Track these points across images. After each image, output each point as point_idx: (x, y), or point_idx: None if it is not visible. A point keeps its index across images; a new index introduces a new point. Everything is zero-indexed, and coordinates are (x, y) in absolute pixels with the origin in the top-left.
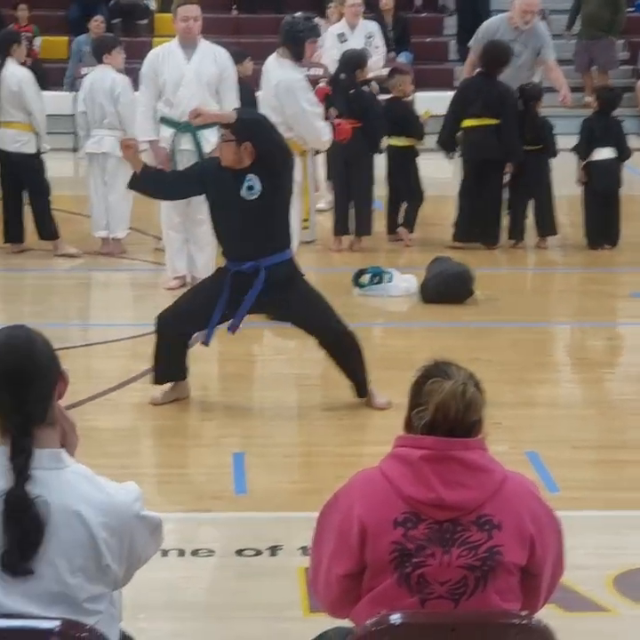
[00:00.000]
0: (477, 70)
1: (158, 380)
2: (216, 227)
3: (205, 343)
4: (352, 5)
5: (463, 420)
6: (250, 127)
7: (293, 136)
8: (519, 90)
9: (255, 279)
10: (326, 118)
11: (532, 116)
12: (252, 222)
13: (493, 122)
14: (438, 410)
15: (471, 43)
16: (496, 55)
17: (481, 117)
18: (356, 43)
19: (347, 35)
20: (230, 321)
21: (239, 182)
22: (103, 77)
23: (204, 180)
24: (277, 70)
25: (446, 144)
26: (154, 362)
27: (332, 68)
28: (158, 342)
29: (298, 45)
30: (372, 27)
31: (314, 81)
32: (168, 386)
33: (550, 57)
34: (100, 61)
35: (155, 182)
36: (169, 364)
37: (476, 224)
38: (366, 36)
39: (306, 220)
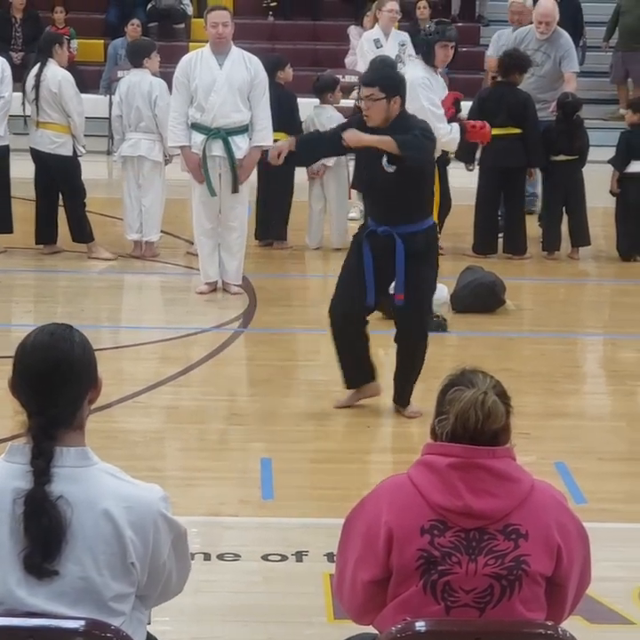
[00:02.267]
0: (497, 79)
1: (350, 385)
2: (361, 185)
3: (370, 305)
4: (390, 11)
5: (483, 430)
6: (398, 84)
7: None
8: (558, 101)
9: (393, 244)
10: (456, 120)
11: (576, 126)
12: (391, 191)
13: (516, 131)
14: (458, 419)
15: (489, 52)
16: (514, 64)
17: (505, 127)
18: (389, 49)
19: (382, 41)
20: (394, 294)
21: (381, 152)
22: (141, 81)
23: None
24: (410, 71)
25: (466, 155)
26: (340, 366)
27: None
28: (337, 344)
29: (428, 50)
30: (404, 36)
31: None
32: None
33: (569, 68)
34: (137, 65)
35: (306, 152)
36: (355, 367)
37: (495, 234)
38: (400, 43)
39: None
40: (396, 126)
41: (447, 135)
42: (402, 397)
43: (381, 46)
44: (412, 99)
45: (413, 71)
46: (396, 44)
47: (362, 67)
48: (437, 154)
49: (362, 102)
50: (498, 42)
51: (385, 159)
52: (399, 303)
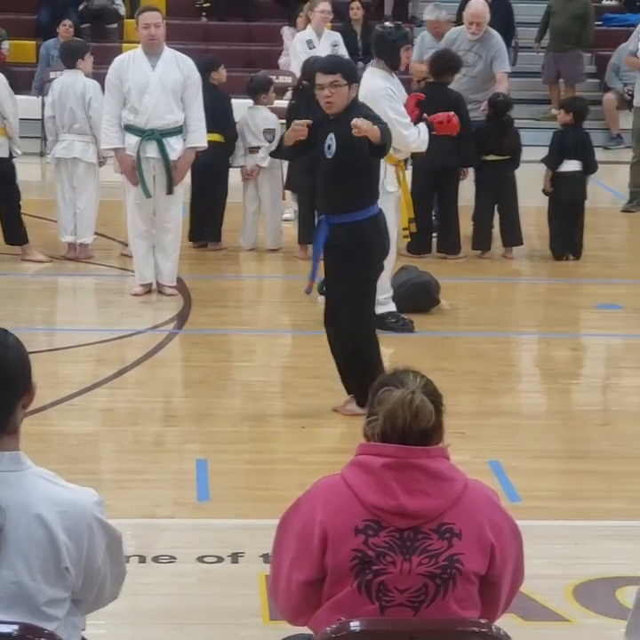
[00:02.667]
0: (428, 80)
1: (361, 403)
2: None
3: (307, 291)
4: (322, 11)
5: (412, 429)
6: (355, 71)
7: None
8: (489, 101)
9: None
10: (421, 121)
11: (507, 125)
12: (327, 178)
13: None
14: (386, 419)
15: (414, 56)
16: (446, 65)
17: None
18: (322, 50)
19: (314, 42)
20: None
21: (324, 139)
22: (74, 82)
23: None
24: (369, 80)
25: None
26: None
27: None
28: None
29: (393, 55)
30: (337, 36)
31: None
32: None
33: (500, 69)
34: (71, 66)
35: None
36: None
37: (429, 234)
38: (332, 43)
39: (405, 229)
40: (353, 113)
41: (417, 140)
42: (357, 397)
43: (314, 47)
44: (376, 110)
45: (372, 81)
46: (328, 44)
47: (295, 67)
48: (405, 156)
49: (317, 90)
50: (422, 45)
51: (326, 145)
52: (308, 291)
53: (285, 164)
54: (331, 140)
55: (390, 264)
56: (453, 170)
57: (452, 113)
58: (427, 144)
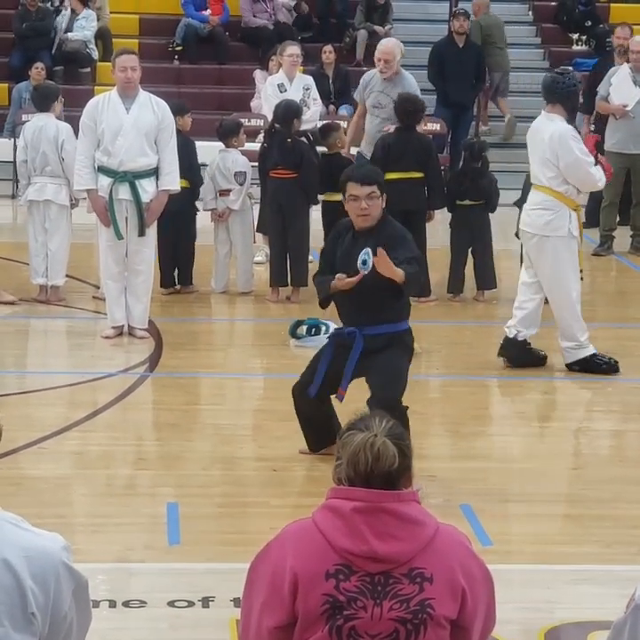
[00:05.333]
0: (395, 126)
1: (314, 449)
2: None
3: (312, 394)
4: (290, 55)
5: (374, 472)
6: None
7: (567, 189)
8: (464, 144)
9: (354, 343)
10: (597, 163)
11: (482, 170)
12: (365, 292)
13: (419, 175)
14: (349, 462)
15: (355, 95)
16: (413, 108)
17: (408, 171)
18: (294, 93)
19: (286, 85)
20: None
21: (354, 253)
22: (46, 125)
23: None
24: (549, 125)
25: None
26: (303, 433)
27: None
28: (297, 416)
29: (571, 100)
30: (309, 80)
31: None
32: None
33: None
34: (44, 110)
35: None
36: (316, 434)
37: None
38: (304, 87)
39: (580, 271)
40: (384, 231)
41: (601, 179)
42: None
43: (286, 91)
44: (564, 152)
45: (558, 124)
46: (300, 87)
47: (266, 111)
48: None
49: (349, 201)
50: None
51: (360, 261)
52: (340, 398)
53: (256, 206)
54: (366, 255)
55: (578, 306)
56: (421, 213)
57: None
58: (604, 184)
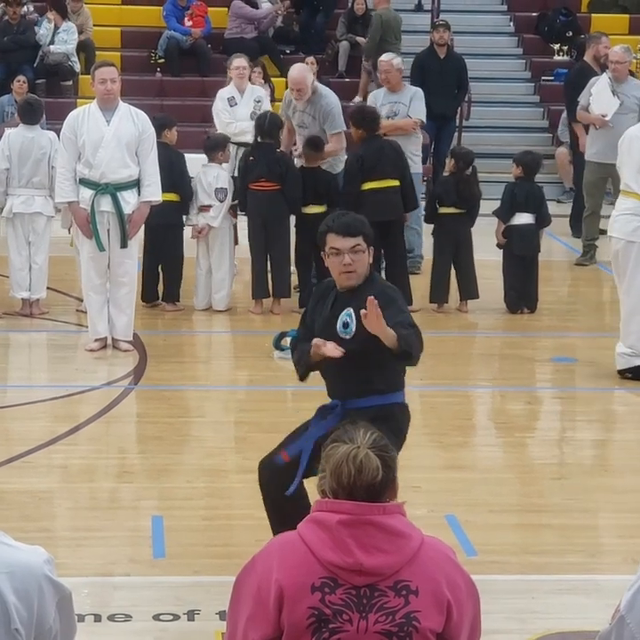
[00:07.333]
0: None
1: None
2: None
3: (290, 493)
4: (237, 68)
5: (357, 484)
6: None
7: None
8: (452, 153)
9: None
10: None
11: (469, 180)
12: (346, 360)
13: (395, 183)
14: (332, 474)
15: (280, 111)
16: (370, 117)
17: (383, 179)
18: (244, 106)
19: (237, 99)
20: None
21: (335, 316)
22: (37, 137)
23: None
24: (632, 126)
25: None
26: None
27: (221, 130)
28: (262, 496)
29: None
30: (261, 92)
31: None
32: None
33: (330, 130)
34: (33, 123)
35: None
36: (280, 524)
37: None
38: (256, 99)
39: None
40: (371, 290)
41: None
42: None
43: (236, 104)
44: (629, 152)
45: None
46: (251, 100)
47: (218, 125)
48: None
49: (330, 256)
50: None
51: (340, 324)
52: (280, 461)
53: (237, 223)
54: (347, 317)
55: None
56: (398, 223)
57: None
58: None
